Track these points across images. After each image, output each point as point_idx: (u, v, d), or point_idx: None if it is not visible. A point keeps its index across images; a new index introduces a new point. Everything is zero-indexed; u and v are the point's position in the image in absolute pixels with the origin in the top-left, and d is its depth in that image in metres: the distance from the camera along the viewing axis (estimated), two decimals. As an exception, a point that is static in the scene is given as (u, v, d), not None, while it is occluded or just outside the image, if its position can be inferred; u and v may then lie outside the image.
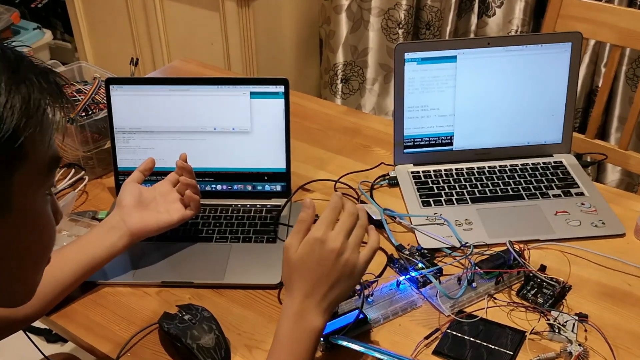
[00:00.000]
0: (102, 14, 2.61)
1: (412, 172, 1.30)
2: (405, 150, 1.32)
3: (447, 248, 1.11)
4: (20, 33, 2.87)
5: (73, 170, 1.27)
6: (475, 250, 1.09)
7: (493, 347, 0.93)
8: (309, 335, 0.83)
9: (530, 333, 0.95)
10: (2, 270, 0.62)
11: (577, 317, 0.96)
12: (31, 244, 0.63)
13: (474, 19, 2.35)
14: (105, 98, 1.22)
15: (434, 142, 1.32)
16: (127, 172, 1.13)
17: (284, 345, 0.83)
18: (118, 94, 1.19)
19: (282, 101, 1.19)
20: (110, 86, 1.19)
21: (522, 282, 1.03)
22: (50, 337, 1.89)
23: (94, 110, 1.28)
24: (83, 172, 1.28)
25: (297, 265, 0.84)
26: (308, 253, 0.83)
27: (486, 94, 1.30)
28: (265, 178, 1.23)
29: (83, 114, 1.27)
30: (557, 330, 0.94)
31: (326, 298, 0.84)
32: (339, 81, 2.53)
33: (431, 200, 1.23)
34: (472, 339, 0.94)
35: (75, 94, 1.31)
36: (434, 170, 1.30)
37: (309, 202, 0.86)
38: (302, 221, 0.85)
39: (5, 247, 0.60)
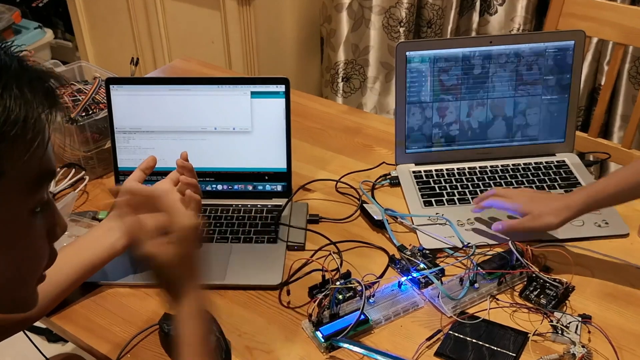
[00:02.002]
0: (103, 13, 2.61)
1: (413, 172, 1.29)
2: (407, 150, 1.31)
3: (449, 248, 1.10)
4: (21, 32, 2.86)
5: (73, 170, 1.27)
6: (478, 250, 1.08)
7: (495, 348, 0.92)
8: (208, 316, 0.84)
9: (533, 334, 0.94)
10: None
11: (580, 318, 0.95)
12: (9, 264, 0.58)
13: (475, 17, 2.34)
14: (105, 98, 1.21)
15: (435, 141, 1.31)
16: (128, 172, 1.12)
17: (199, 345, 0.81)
18: (118, 93, 1.19)
19: (282, 101, 1.18)
20: (111, 86, 1.18)
21: (525, 282, 1.03)
22: (51, 336, 1.89)
23: (94, 110, 1.28)
24: (83, 172, 1.28)
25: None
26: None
27: (488, 93, 1.29)
28: (266, 178, 1.22)
29: (83, 114, 1.26)
30: (560, 332, 0.93)
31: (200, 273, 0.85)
32: (340, 80, 2.52)
33: (433, 200, 1.22)
34: (474, 341, 0.93)
35: (75, 93, 1.31)
36: (436, 170, 1.30)
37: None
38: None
39: None
